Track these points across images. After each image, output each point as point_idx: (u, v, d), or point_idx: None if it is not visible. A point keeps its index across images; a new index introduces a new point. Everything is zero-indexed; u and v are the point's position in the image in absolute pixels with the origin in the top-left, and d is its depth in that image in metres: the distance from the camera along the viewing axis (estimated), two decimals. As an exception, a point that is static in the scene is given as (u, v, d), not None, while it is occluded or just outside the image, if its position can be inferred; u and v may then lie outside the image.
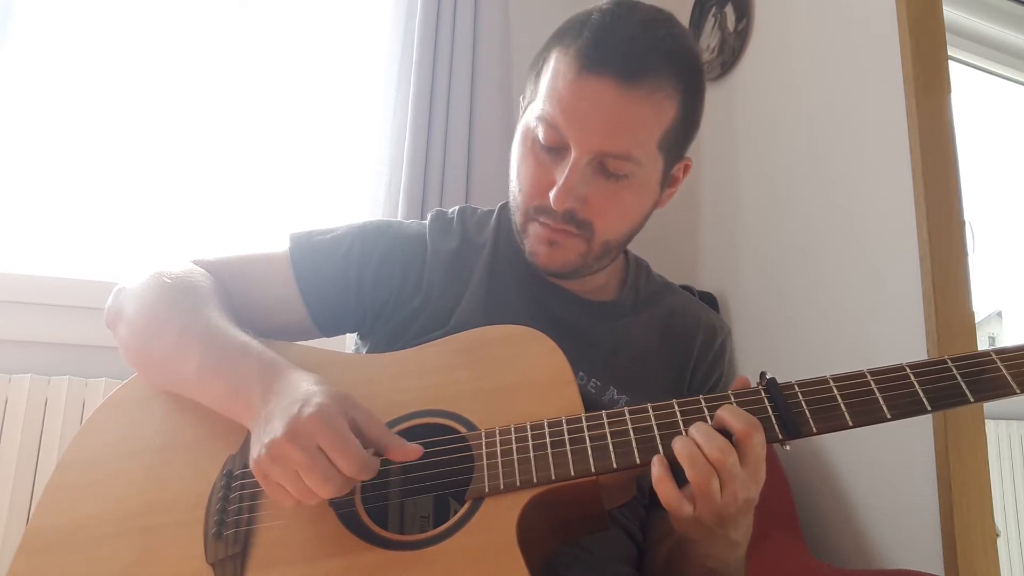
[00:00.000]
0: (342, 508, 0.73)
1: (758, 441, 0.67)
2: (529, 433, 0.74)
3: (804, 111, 1.72)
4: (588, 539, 0.84)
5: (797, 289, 1.68)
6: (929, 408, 0.68)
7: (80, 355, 1.70)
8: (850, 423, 0.69)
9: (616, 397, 0.91)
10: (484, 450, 0.73)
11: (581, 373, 0.89)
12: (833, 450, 1.54)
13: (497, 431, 0.75)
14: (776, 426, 0.70)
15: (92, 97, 1.85)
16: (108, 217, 1.84)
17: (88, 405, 1.62)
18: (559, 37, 0.88)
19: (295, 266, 0.95)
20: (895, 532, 1.39)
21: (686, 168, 0.95)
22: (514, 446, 0.73)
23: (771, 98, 1.83)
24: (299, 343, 0.90)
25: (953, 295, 1.34)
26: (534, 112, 0.87)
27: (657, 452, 0.70)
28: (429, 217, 1.03)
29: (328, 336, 0.99)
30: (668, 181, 0.93)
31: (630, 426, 0.72)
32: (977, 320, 1.40)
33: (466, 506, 0.71)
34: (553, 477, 0.70)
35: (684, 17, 2.11)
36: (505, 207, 1.03)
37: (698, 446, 0.67)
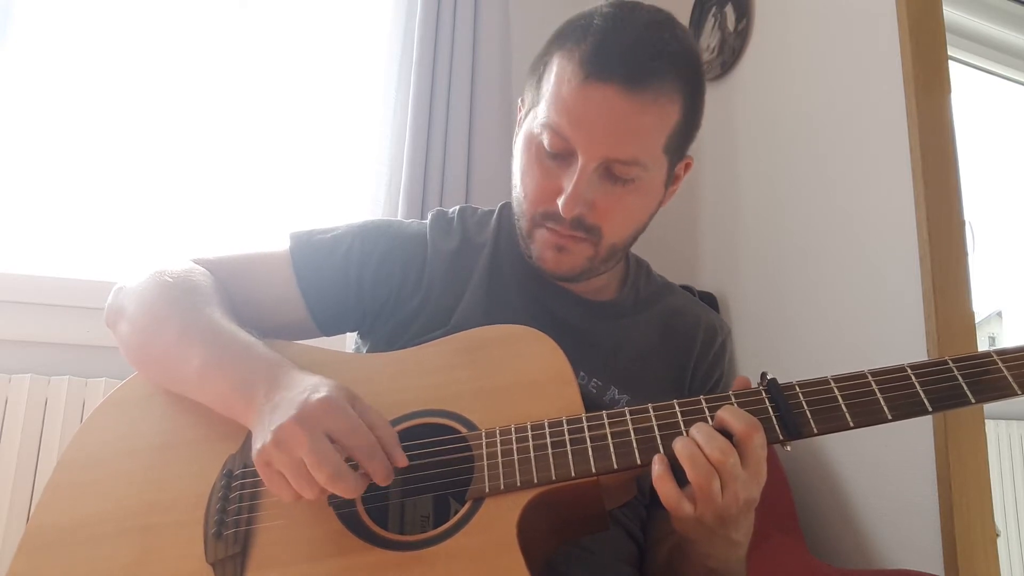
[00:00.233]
0: (342, 508, 0.73)
1: (759, 442, 0.67)
2: (529, 433, 0.74)
3: (804, 111, 1.72)
4: (589, 539, 0.84)
5: (797, 289, 1.68)
6: (930, 409, 0.68)
7: (80, 355, 1.70)
8: (851, 424, 0.69)
9: (617, 397, 0.91)
10: (484, 450, 0.73)
11: (582, 373, 0.89)
12: (833, 450, 1.54)
13: (497, 431, 0.74)
14: (777, 427, 0.70)
15: (92, 97, 1.85)
16: (108, 217, 1.84)
17: (88, 405, 1.62)
18: (560, 41, 0.87)
19: (295, 265, 0.95)
20: (895, 532, 1.39)
21: (687, 166, 0.96)
22: (514, 446, 0.73)
23: (771, 98, 1.83)
24: (299, 342, 0.90)
25: (953, 295, 1.34)
26: (538, 119, 0.87)
27: (658, 452, 0.70)
28: (430, 217, 1.03)
29: (328, 335, 0.99)
30: (671, 180, 0.93)
31: (631, 426, 0.72)
32: (977, 320, 1.40)
33: (466, 506, 0.71)
34: (553, 477, 0.70)
35: (684, 17, 2.11)
36: (505, 207, 1.03)
37: (699, 447, 0.67)
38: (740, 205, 1.90)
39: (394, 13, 2.08)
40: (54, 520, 0.77)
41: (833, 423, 0.69)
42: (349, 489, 0.66)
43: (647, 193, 0.89)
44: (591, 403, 0.82)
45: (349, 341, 1.32)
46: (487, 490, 0.71)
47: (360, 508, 0.73)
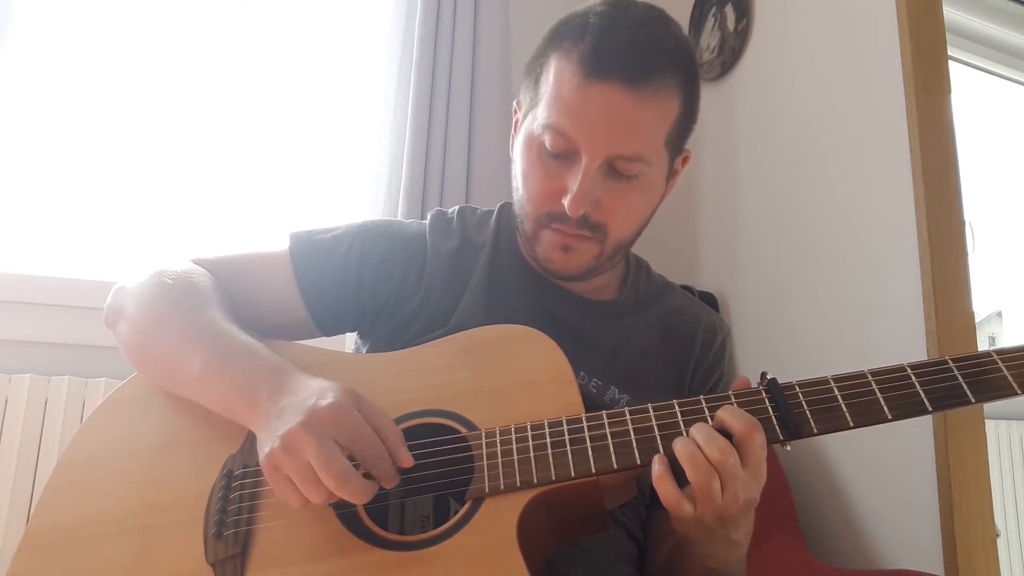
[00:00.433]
0: (342, 508, 0.72)
1: (759, 442, 0.67)
2: (529, 433, 0.74)
3: (804, 111, 1.72)
4: (589, 539, 0.84)
5: (797, 289, 1.68)
6: (930, 409, 0.68)
7: (80, 355, 1.70)
8: (851, 423, 0.69)
9: (617, 397, 0.91)
10: (484, 450, 0.73)
11: (582, 373, 0.89)
12: (833, 450, 1.54)
13: (497, 431, 0.74)
14: (777, 426, 0.70)
15: (92, 97, 1.85)
16: (108, 217, 1.84)
17: (88, 405, 1.62)
18: (556, 42, 0.87)
19: (295, 265, 0.95)
20: (895, 532, 1.39)
21: (685, 160, 0.96)
22: (514, 446, 0.73)
23: (771, 98, 1.83)
24: (299, 342, 0.90)
25: (953, 295, 1.34)
26: (538, 120, 0.87)
27: (658, 452, 0.70)
28: (429, 217, 1.03)
29: (328, 335, 0.99)
30: (671, 174, 0.94)
31: (631, 426, 0.72)
32: (977, 320, 1.40)
33: (466, 506, 0.71)
34: (553, 477, 0.70)
35: (684, 17, 2.11)
36: (505, 207, 1.03)
37: (699, 447, 0.67)
38: (740, 205, 1.90)
39: (394, 13, 2.08)
40: (54, 520, 0.77)
41: (833, 423, 0.69)
42: (356, 493, 0.66)
43: (650, 188, 0.89)
44: (591, 403, 0.82)
45: (349, 341, 1.32)
46: (487, 490, 0.71)
47: (360, 508, 0.73)
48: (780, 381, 0.73)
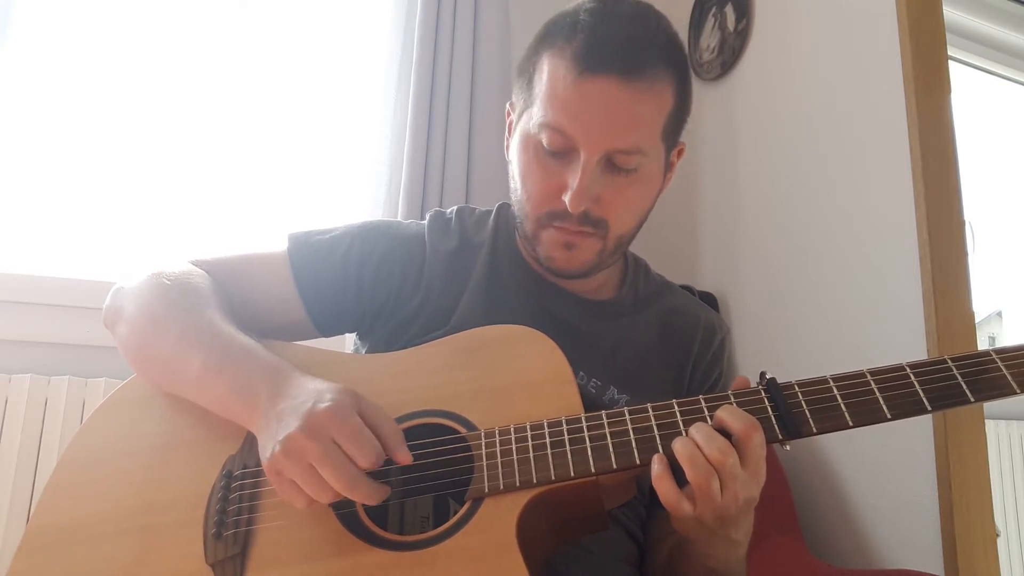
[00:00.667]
0: (342, 509, 0.73)
1: (758, 441, 0.67)
2: (529, 433, 0.74)
3: (804, 111, 1.71)
4: (588, 539, 0.84)
5: (797, 289, 1.68)
6: (929, 408, 0.68)
7: (80, 355, 1.70)
8: (850, 423, 0.69)
9: (616, 397, 0.91)
10: (484, 450, 0.73)
11: (581, 373, 0.90)
12: (833, 450, 1.54)
13: (497, 431, 0.75)
14: (776, 426, 0.70)
15: (92, 97, 1.85)
16: (108, 217, 1.84)
17: (88, 405, 1.62)
18: (548, 41, 0.88)
19: (294, 266, 0.95)
20: (895, 532, 1.39)
21: (680, 152, 0.96)
22: (514, 446, 0.73)
23: (771, 98, 1.83)
24: (298, 343, 0.90)
25: (953, 295, 1.34)
26: (534, 119, 0.87)
27: (657, 452, 0.70)
28: (428, 217, 1.03)
29: (327, 336, 0.99)
30: (668, 167, 0.94)
31: (630, 426, 0.72)
32: (977, 320, 1.40)
33: (466, 506, 0.71)
34: (553, 477, 0.70)
35: (684, 17, 2.11)
36: (503, 207, 1.04)
37: (698, 447, 0.67)
38: (740, 205, 1.90)
39: (394, 13, 2.08)
40: (54, 520, 0.77)
41: (832, 422, 0.69)
42: (365, 495, 0.67)
43: (648, 181, 0.90)
44: (590, 403, 0.82)
45: (348, 342, 1.32)
46: (486, 490, 0.71)
47: (360, 508, 0.73)
48: (779, 381, 0.73)
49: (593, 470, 0.70)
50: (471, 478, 0.72)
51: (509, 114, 0.97)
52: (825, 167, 1.63)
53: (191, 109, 1.93)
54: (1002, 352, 0.70)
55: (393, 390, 0.81)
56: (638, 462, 0.70)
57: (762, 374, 0.74)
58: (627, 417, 0.73)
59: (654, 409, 0.73)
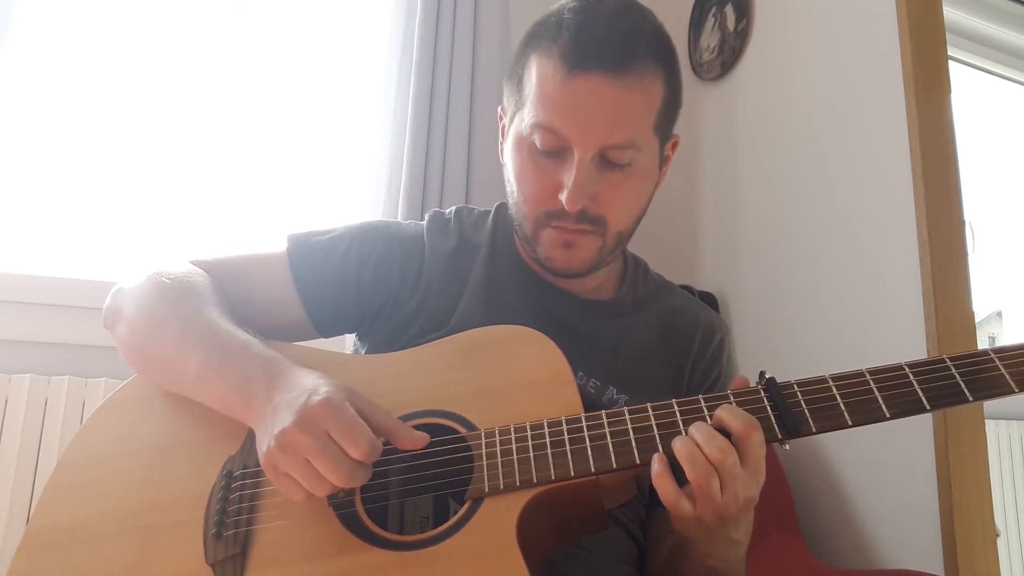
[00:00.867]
0: (342, 508, 0.73)
1: (757, 441, 0.68)
2: (529, 433, 0.74)
3: (804, 111, 1.72)
4: (588, 539, 0.84)
5: (797, 289, 1.68)
6: (928, 407, 0.69)
7: (80, 355, 1.70)
8: (849, 422, 0.69)
9: (615, 397, 0.91)
10: (484, 450, 0.73)
11: (580, 373, 0.89)
12: (833, 450, 1.54)
13: (497, 431, 0.75)
14: (775, 425, 0.70)
15: (92, 97, 1.85)
16: (108, 217, 1.85)
17: (88, 405, 1.62)
18: (535, 42, 0.88)
19: (293, 267, 0.95)
20: (895, 532, 1.39)
21: (674, 145, 0.96)
22: (514, 446, 0.73)
23: (771, 98, 1.83)
24: (298, 343, 0.90)
25: (953, 295, 1.34)
26: (525, 121, 0.87)
27: (657, 452, 0.70)
28: (427, 218, 1.03)
29: (326, 336, 0.99)
30: (662, 160, 0.94)
31: (629, 426, 0.72)
32: (977, 320, 1.40)
33: (466, 506, 0.71)
34: (553, 477, 0.70)
35: (684, 17, 2.11)
36: (502, 207, 1.04)
37: (698, 446, 0.67)
38: (740, 205, 1.90)
39: (394, 13, 2.08)
40: (54, 520, 0.77)
41: (831, 421, 0.69)
42: (359, 480, 0.68)
43: (643, 176, 0.90)
44: (589, 403, 0.82)
45: (348, 342, 1.32)
46: (486, 490, 0.71)
47: (360, 508, 0.73)
48: (779, 381, 0.73)
49: (593, 470, 0.70)
50: (471, 478, 0.72)
51: (501, 118, 0.97)
52: (825, 167, 1.63)
53: (191, 109, 1.93)
54: (1000, 351, 0.70)
55: (393, 390, 0.81)
56: (638, 462, 0.70)
57: (761, 374, 0.74)
58: (627, 417, 0.73)
59: (654, 409, 0.73)
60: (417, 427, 0.77)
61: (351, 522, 0.72)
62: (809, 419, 0.70)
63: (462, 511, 0.71)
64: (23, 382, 1.59)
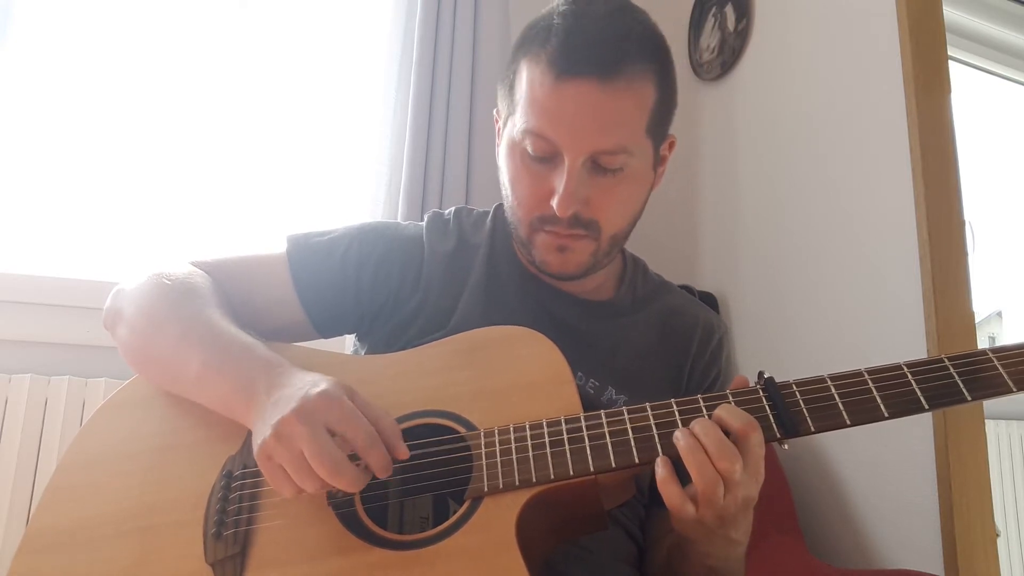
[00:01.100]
0: (342, 508, 0.73)
1: (756, 440, 0.68)
2: (528, 433, 0.74)
3: (804, 111, 1.72)
4: (588, 539, 0.84)
5: (797, 289, 1.68)
6: (926, 407, 0.69)
7: (80, 355, 1.70)
8: (848, 422, 0.69)
9: (614, 397, 0.91)
10: (483, 450, 0.73)
11: (580, 373, 0.90)
12: (833, 450, 1.54)
13: (496, 431, 0.75)
14: (774, 425, 0.70)
15: (92, 97, 1.85)
16: (108, 217, 1.85)
17: (88, 405, 1.62)
18: (525, 47, 0.88)
19: (292, 268, 0.95)
20: (895, 532, 1.39)
21: (671, 145, 0.96)
22: (513, 446, 0.73)
23: (771, 98, 1.83)
24: (298, 344, 0.90)
25: (953, 295, 1.34)
26: (517, 126, 0.87)
27: (656, 451, 0.70)
28: (426, 219, 1.03)
29: (326, 337, 0.99)
30: (658, 162, 0.94)
31: (629, 426, 0.73)
32: (977, 320, 1.40)
33: (465, 506, 0.71)
34: (552, 477, 0.71)
35: (684, 17, 2.11)
36: (500, 208, 1.04)
37: (705, 451, 0.67)
38: (740, 205, 1.90)
39: (394, 13, 2.08)
40: (54, 522, 0.78)
41: (830, 421, 0.69)
42: (349, 482, 0.67)
43: (637, 179, 0.89)
44: (588, 403, 0.82)
45: (348, 343, 1.32)
46: (486, 489, 0.71)
47: (359, 508, 0.73)
48: (778, 380, 0.73)
49: (592, 469, 0.71)
50: (470, 477, 0.72)
51: (497, 120, 0.97)
52: (825, 167, 1.63)
53: (191, 109, 1.93)
54: (999, 351, 0.70)
55: (393, 391, 0.81)
56: (637, 461, 0.70)
57: (760, 373, 0.74)
58: (626, 417, 0.73)
59: (653, 408, 0.74)
60: (417, 427, 0.78)
61: (351, 522, 0.72)
62: (808, 419, 0.70)
63: (461, 511, 0.71)
64: (23, 382, 1.59)
